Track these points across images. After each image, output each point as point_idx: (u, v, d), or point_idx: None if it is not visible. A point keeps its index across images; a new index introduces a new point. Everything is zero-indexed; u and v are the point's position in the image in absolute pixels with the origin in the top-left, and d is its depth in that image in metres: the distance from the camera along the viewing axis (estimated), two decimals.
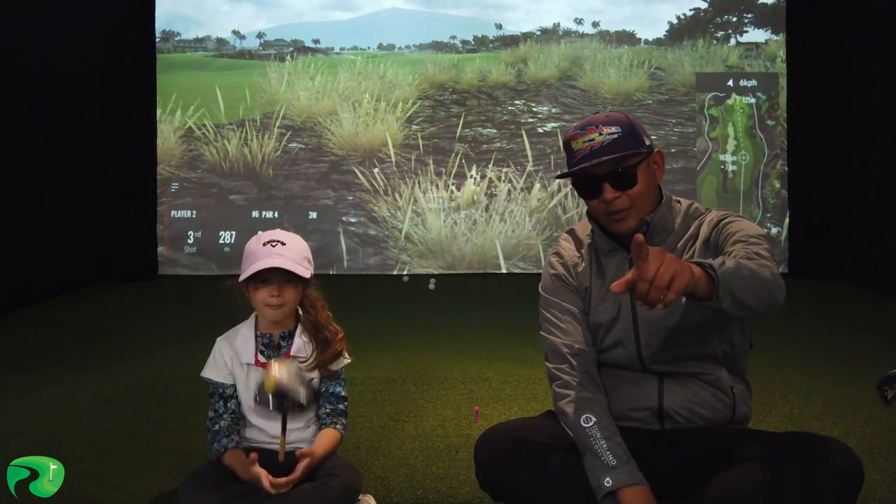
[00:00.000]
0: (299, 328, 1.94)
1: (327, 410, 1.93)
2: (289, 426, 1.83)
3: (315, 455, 1.81)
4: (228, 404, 1.91)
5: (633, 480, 1.46)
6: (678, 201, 1.71)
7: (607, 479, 1.46)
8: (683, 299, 1.54)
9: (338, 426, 1.93)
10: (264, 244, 1.85)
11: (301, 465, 1.77)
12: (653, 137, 6.78)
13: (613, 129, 1.57)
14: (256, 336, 1.93)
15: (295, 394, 1.73)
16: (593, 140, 1.57)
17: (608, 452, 1.50)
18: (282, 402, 1.73)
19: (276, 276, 1.85)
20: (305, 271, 1.86)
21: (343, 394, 1.96)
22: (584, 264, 1.71)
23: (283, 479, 1.74)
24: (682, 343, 1.59)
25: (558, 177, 1.65)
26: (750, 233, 1.54)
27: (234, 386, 1.92)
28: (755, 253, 1.45)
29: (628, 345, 1.63)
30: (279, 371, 1.73)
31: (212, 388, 1.93)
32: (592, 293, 1.69)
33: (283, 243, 1.86)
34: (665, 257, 1.25)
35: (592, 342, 1.67)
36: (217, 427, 1.88)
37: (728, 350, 1.62)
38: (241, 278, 1.85)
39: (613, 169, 1.57)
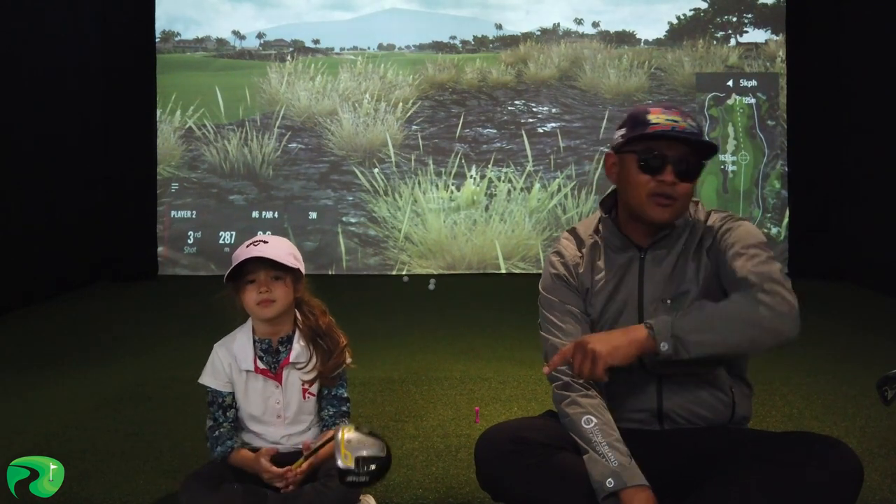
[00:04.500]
0: (297, 333, 1.93)
1: (330, 413, 1.93)
2: (289, 430, 1.84)
3: (318, 457, 1.81)
4: (227, 413, 1.90)
5: (635, 481, 1.46)
6: None
7: (609, 480, 1.46)
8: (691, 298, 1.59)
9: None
10: (247, 246, 1.85)
11: (308, 462, 1.77)
12: None
13: (694, 124, 1.59)
14: (254, 342, 1.92)
15: (371, 451, 1.54)
16: (677, 122, 1.57)
17: (610, 454, 1.49)
18: (365, 466, 1.53)
19: (262, 273, 1.85)
20: (289, 263, 1.86)
21: (345, 395, 1.96)
22: (585, 263, 1.71)
23: (287, 472, 1.75)
24: None
25: (626, 140, 1.60)
26: (748, 242, 1.54)
27: (232, 394, 1.91)
28: (763, 275, 1.46)
29: None
30: (348, 439, 1.55)
31: (210, 396, 1.91)
32: (594, 292, 1.68)
33: (265, 242, 1.85)
34: (584, 347, 1.47)
35: None
36: (217, 433, 1.87)
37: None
38: (225, 278, 1.86)
39: (685, 156, 1.58)
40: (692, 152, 1.58)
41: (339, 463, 1.51)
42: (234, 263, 1.84)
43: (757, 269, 1.48)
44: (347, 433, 1.54)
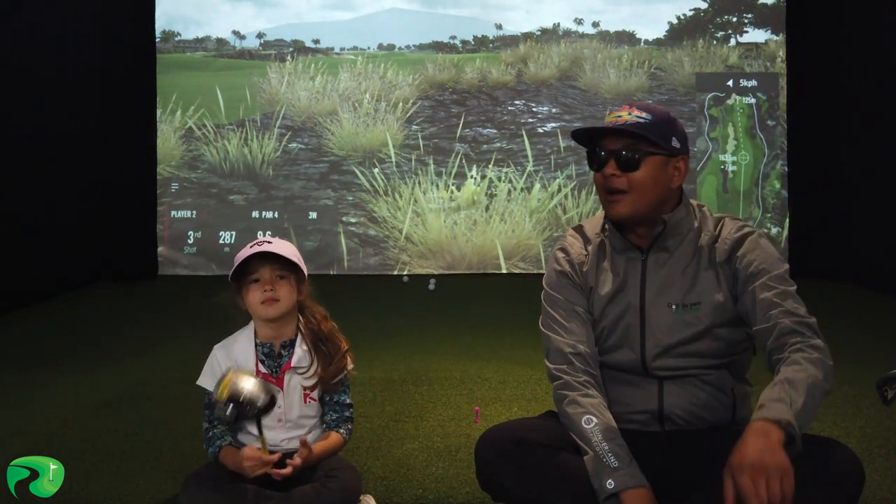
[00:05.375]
0: (300, 337, 1.92)
1: (333, 418, 1.92)
2: (290, 434, 1.83)
3: (312, 453, 1.80)
4: None
5: (635, 482, 1.46)
6: (691, 204, 1.69)
7: (609, 481, 1.45)
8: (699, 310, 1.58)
9: (341, 431, 1.92)
10: (251, 246, 1.85)
11: (297, 457, 1.76)
12: None
13: (644, 115, 1.57)
14: (256, 345, 1.90)
15: (252, 398, 1.65)
16: (620, 117, 1.58)
17: (610, 454, 1.48)
18: (240, 410, 1.65)
19: (266, 272, 1.84)
20: (294, 259, 1.86)
21: (348, 401, 1.95)
22: (590, 261, 1.69)
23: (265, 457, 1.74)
24: (688, 353, 1.59)
25: (573, 133, 1.65)
26: (774, 272, 1.53)
27: None
28: (803, 325, 1.48)
29: (633, 348, 1.62)
30: (234, 379, 1.66)
31: (207, 398, 1.90)
32: (597, 291, 1.66)
33: (269, 242, 1.85)
34: (764, 470, 1.22)
35: (595, 342, 1.66)
36: (211, 434, 1.87)
37: (735, 359, 1.63)
38: (230, 276, 1.85)
39: (622, 148, 1.57)
40: (637, 142, 1.56)
41: (213, 395, 1.68)
42: (238, 262, 1.83)
43: (797, 319, 1.48)
44: (236, 375, 1.66)
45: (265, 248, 1.82)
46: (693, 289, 1.60)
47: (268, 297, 1.83)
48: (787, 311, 1.49)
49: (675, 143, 1.60)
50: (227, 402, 1.64)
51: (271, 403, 1.69)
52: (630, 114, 1.57)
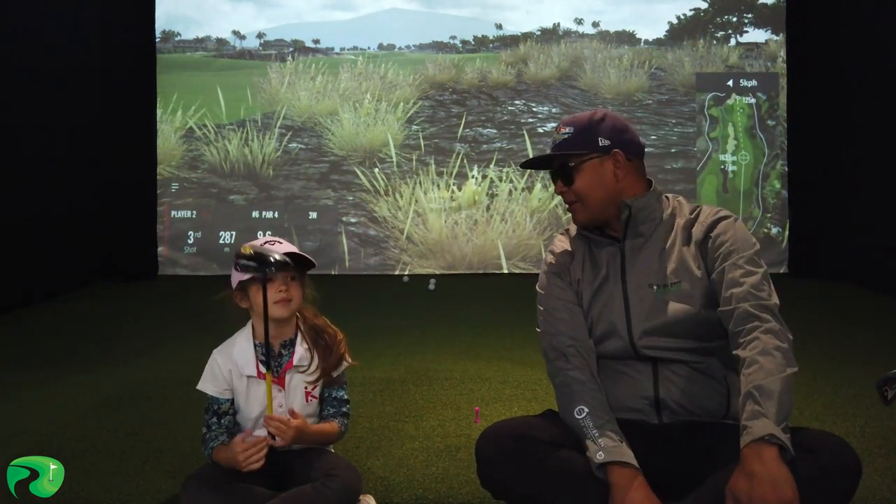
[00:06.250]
0: (299, 336, 1.92)
1: (330, 412, 1.92)
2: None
3: (306, 429, 1.80)
4: (222, 420, 1.88)
5: (621, 458, 1.49)
6: (666, 197, 1.76)
7: (600, 453, 1.51)
8: (677, 287, 1.64)
9: (337, 421, 1.92)
10: (262, 245, 1.83)
11: (291, 421, 1.77)
12: (652, 137, 6.57)
13: (567, 130, 1.71)
14: (255, 346, 1.90)
15: (270, 253, 1.70)
16: (554, 138, 1.75)
17: (600, 440, 1.53)
18: (262, 261, 1.68)
19: (280, 272, 1.83)
20: (312, 260, 1.87)
21: (346, 397, 1.95)
22: (575, 257, 1.77)
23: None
24: (674, 332, 1.63)
25: (521, 165, 1.87)
26: (744, 253, 1.58)
27: (230, 401, 1.89)
28: (761, 307, 1.50)
29: (620, 331, 1.66)
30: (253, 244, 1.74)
31: (207, 402, 1.90)
32: (584, 284, 1.73)
33: (279, 242, 1.85)
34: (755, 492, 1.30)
35: (588, 333, 1.71)
36: (208, 436, 1.87)
37: (722, 344, 1.63)
38: (245, 277, 1.82)
39: (559, 165, 1.72)
40: (566, 156, 1.70)
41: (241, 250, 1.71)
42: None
43: (756, 302, 1.51)
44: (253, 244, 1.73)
45: (283, 248, 1.81)
46: (672, 269, 1.65)
47: (282, 297, 1.83)
48: (748, 292, 1.53)
49: (603, 142, 1.68)
50: (249, 255, 1.69)
51: (284, 263, 1.72)
52: (559, 133, 1.73)
